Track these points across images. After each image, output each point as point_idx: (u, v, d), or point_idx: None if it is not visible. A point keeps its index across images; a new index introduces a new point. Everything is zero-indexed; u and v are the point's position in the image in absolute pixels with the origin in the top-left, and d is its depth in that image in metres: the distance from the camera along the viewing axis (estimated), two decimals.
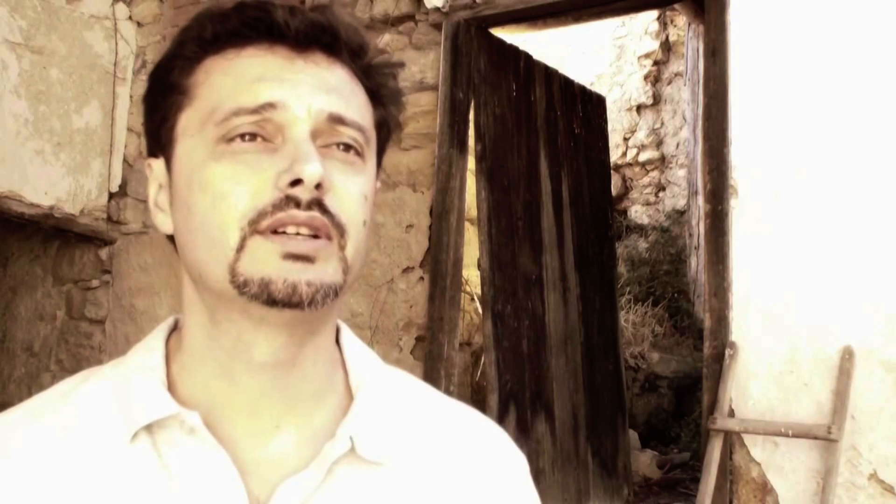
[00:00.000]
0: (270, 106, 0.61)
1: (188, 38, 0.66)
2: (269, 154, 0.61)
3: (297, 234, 0.60)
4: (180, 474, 0.61)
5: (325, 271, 0.61)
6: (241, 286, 0.60)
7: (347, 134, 0.64)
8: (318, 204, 0.60)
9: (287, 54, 0.64)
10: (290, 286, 0.59)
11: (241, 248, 0.60)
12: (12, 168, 3.70)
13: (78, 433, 0.63)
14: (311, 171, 0.59)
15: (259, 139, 0.62)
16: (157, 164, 0.68)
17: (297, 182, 0.59)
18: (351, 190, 0.63)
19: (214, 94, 0.63)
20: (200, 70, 0.65)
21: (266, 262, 0.59)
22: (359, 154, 0.65)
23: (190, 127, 0.64)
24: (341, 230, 0.62)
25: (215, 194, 0.60)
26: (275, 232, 0.60)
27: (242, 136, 0.61)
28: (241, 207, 0.60)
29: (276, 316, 0.61)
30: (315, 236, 0.60)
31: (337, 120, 0.63)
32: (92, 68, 4.07)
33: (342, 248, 0.62)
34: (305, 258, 0.60)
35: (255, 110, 0.61)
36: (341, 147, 0.64)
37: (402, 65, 0.74)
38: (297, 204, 0.59)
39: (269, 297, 0.59)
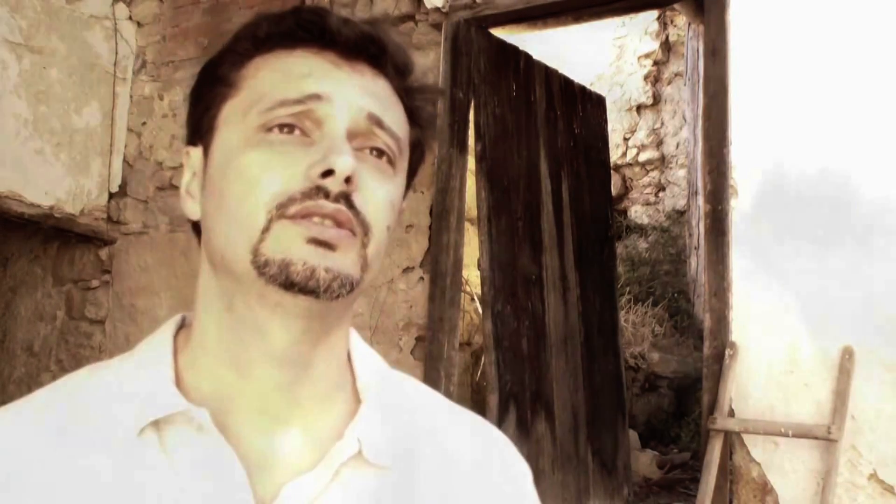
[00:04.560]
0: (316, 97, 0.64)
1: (242, 36, 0.68)
2: (304, 147, 0.63)
3: (322, 224, 0.61)
4: (187, 471, 0.61)
5: (345, 262, 0.61)
6: (261, 266, 0.60)
7: (383, 139, 0.66)
8: (345, 198, 0.61)
9: (334, 59, 0.66)
10: (309, 269, 0.60)
11: (266, 230, 0.61)
12: (12, 168, 3.70)
13: (84, 427, 0.62)
14: (343, 163, 0.60)
15: (297, 132, 0.64)
16: (195, 152, 0.70)
17: (328, 173, 0.61)
18: (379, 194, 0.64)
19: (261, 86, 0.65)
20: (250, 66, 0.67)
21: (289, 244, 0.60)
22: (391, 162, 0.67)
23: (232, 116, 0.66)
24: (366, 228, 0.63)
25: (248, 180, 0.62)
26: (302, 218, 0.61)
27: (281, 127, 0.63)
28: (272, 191, 0.61)
29: (292, 303, 0.62)
30: (339, 227, 0.61)
31: (375, 121, 0.65)
32: (92, 68, 4.07)
33: (364, 245, 0.63)
34: (327, 245, 0.61)
35: (300, 100, 0.63)
36: (374, 153, 0.66)
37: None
38: (326, 195, 0.61)
39: (288, 280, 0.60)
